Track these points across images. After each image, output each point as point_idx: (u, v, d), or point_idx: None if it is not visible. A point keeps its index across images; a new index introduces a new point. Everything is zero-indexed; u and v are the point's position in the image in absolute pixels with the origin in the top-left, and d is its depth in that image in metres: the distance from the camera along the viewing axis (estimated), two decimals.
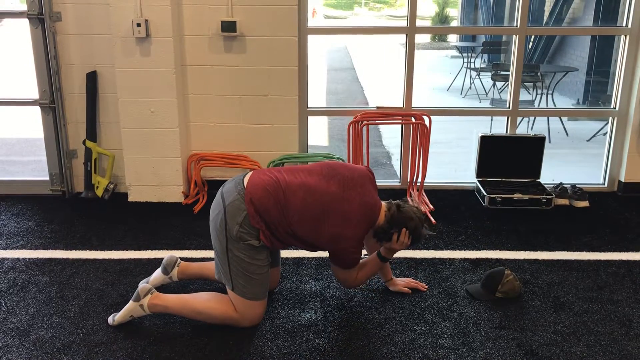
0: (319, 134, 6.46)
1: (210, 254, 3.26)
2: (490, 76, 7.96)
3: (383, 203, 2.60)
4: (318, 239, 2.50)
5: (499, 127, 5.13)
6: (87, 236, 3.58)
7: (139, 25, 3.80)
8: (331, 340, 2.53)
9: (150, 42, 3.89)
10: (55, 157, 4.24)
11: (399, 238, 2.57)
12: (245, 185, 2.50)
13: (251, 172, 2.60)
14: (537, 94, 7.37)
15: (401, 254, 3.32)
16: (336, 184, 2.51)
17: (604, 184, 4.46)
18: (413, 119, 4.22)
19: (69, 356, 2.41)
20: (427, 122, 4.17)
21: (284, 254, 3.26)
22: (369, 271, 2.70)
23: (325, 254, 3.32)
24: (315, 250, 2.64)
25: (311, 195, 2.47)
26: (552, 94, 7.11)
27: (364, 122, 4.12)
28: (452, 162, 5.50)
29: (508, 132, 4.40)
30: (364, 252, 3.35)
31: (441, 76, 9.80)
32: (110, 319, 2.63)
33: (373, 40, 16.33)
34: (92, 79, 4.08)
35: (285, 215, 2.45)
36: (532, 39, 8.98)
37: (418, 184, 4.25)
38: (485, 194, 4.05)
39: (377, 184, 2.70)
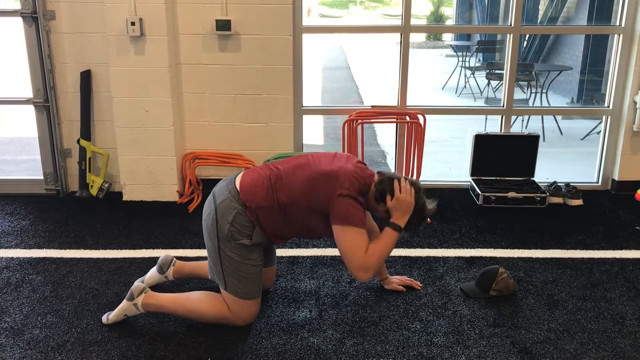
0: (314, 133, 6.47)
1: (205, 252, 3.25)
2: (484, 75, 7.98)
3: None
4: (314, 198, 2.40)
5: (493, 125, 5.15)
6: (81, 235, 3.57)
7: (133, 23, 3.79)
8: (326, 338, 2.53)
9: (145, 40, 3.88)
10: (49, 156, 4.23)
11: (400, 188, 2.43)
12: (236, 184, 2.51)
13: (244, 171, 2.62)
14: (531, 92, 7.40)
15: (396, 252, 3.33)
16: (324, 156, 2.56)
17: (597, 182, 4.48)
18: (408, 118, 4.22)
19: (63, 355, 2.41)
20: (421, 121, 4.18)
21: (280, 252, 3.26)
22: (381, 245, 2.43)
23: (322, 252, 3.34)
24: (315, 224, 2.49)
25: (304, 168, 2.49)
26: (546, 93, 7.13)
27: (359, 121, 4.12)
28: (447, 161, 5.51)
29: (502, 130, 4.41)
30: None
31: (436, 75, 9.81)
32: (104, 318, 2.63)
33: (368, 39, 16.33)
34: (86, 77, 4.07)
35: (281, 191, 2.45)
36: (526, 38, 9.00)
37: None
38: (479, 192, 4.06)
39: None
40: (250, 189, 2.48)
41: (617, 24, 4.20)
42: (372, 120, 4.36)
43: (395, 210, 2.46)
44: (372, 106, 4.31)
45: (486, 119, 6.18)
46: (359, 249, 2.39)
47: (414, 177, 4.22)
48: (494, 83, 7.98)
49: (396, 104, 4.31)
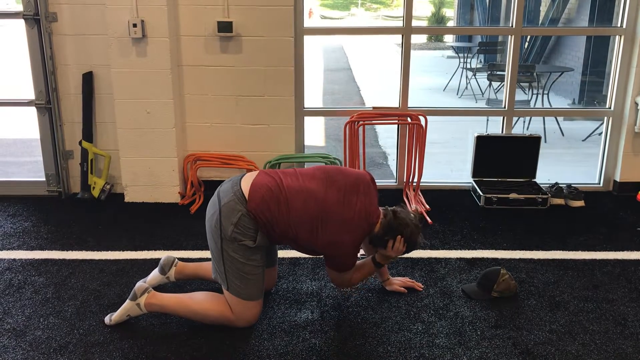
0: (316, 134, 6.48)
1: (206, 254, 3.26)
2: (486, 76, 7.99)
3: (380, 209, 2.60)
4: (315, 244, 2.49)
5: (494, 127, 5.15)
6: (83, 237, 3.58)
7: (135, 25, 3.80)
8: (327, 339, 2.53)
9: (147, 42, 3.89)
10: (51, 157, 4.24)
11: (394, 245, 2.56)
12: (242, 186, 2.50)
13: (250, 173, 2.60)
14: (532, 94, 7.40)
15: None
16: (336, 190, 2.50)
17: (599, 183, 4.48)
18: (409, 119, 4.23)
19: (66, 356, 2.41)
20: (423, 122, 4.18)
21: (281, 253, 3.26)
22: (363, 274, 2.71)
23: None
24: (311, 254, 2.65)
25: (311, 200, 2.47)
26: (547, 94, 7.13)
27: (360, 122, 4.13)
28: (448, 162, 5.51)
29: (504, 132, 4.41)
30: (361, 251, 3.34)
31: (437, 76, 9.82)
32: (107, 319, 2.63)
33: (369, 40, 16.35)
34: (88, 79, 4.08)
35: (286, 218, 2.45)
36: (527, 39, 9.01)
37: (414, 184, 4.26)
38: (481, 193, 4.06)
39: None
40: (260, 201, 2.45)
41: (619, 25, 4.20)
42: (373, 121, 4.37)
43: (382, 256, 2.68)
44: (373, 107, 4.31)
45: (487, 120, 6.19)
46: (345, 280, 2.67)
47: (415, 179, 4.22)
48: (495, 84, 7.98)
49: (397, 105, 4.32)
